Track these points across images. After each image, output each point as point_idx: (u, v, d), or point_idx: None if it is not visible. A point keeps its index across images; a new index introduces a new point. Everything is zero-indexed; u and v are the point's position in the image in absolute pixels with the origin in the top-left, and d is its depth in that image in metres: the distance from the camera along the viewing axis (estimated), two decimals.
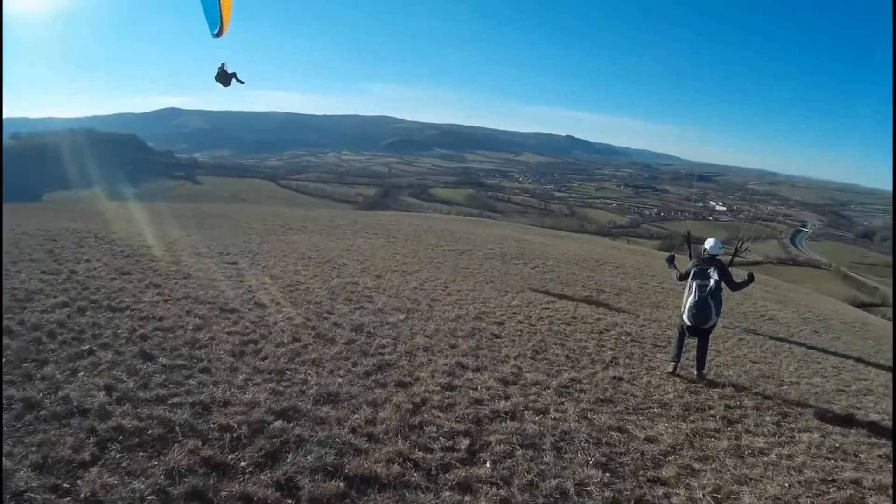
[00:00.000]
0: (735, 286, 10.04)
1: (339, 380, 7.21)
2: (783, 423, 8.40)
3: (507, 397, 7.52)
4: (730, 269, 10.29)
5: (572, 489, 5.40)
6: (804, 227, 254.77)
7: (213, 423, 5.56)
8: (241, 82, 19.32)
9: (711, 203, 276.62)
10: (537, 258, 24.01)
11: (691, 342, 10.32)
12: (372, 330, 9.73)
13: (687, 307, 9.56)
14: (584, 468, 5.84)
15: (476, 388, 7.66)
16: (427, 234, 27.75)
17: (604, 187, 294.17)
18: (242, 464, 5.00)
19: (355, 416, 6.18)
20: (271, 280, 12.63)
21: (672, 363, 10.10)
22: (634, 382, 9.25)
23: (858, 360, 15.50)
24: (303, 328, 9.17)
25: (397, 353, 8.64)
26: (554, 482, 5.44)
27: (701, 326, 9.62)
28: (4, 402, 5.46)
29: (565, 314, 13.72)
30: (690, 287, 9.62)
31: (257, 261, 14.84)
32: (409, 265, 17.82)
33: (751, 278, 10.41)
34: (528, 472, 5.57)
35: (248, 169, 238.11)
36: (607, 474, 5.80)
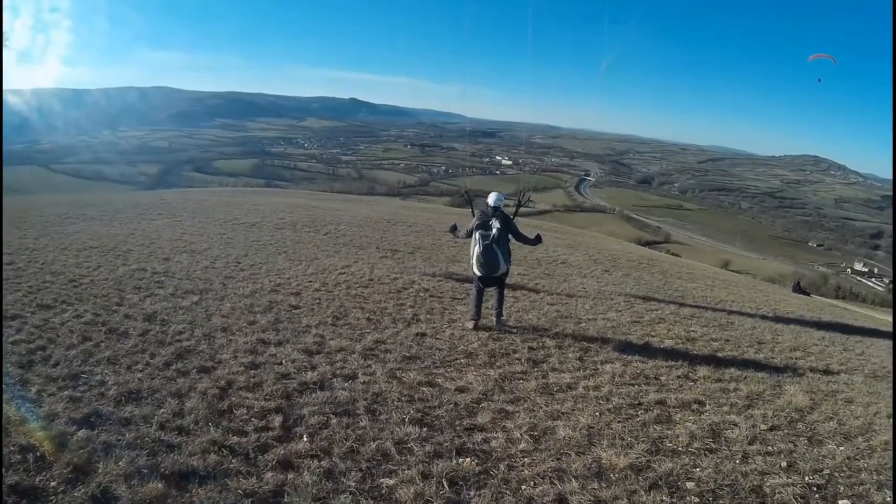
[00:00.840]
0: (521, 237, 10.50)
1: (139, 375, 7.08)
2: (586, 358, 9.27)
3: (313, 367, 7.72)
4: (515, 220, 10.98)
5: (393, 449, 5.66)
6: (587, 175, 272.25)
7: (13, 446, 5.20)
8: None
9: (497, 157, 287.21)
10: (329, 224, 24.23)
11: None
12: (166, 317, 9.58)
13: (475, 258, 10.12)
14: (401, 426, 6.14)
15: (281, 363, 7.81)
16: (214, 209, 27.04)
17: (391, 148, 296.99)
18: (52, 484, 4.77)
19: (161, 410, 6.11)
20: (52, 277, 11.85)
21: (472, 320, 10.53)
22: (438, 337, 9.76)
23: (648, 291, 17.27)
24: (93, 325, 8.86)
25: (195, 337, 8.61)
26: (374, 445, 5.68)
27: (492, 275, 10.20)
28: None
29: (362, 277, 14.14)
30: (475, 239, 10.13)
31: (35, 258, 13.77)
32: (198, 244, 17.42)
33: (538, 239, 10.87)
34: (346, 440, 5.75)
35: (14, 155, 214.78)
36: (424, 429, 6.14)
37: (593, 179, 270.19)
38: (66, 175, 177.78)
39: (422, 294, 12.94)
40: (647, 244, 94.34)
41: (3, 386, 6.42)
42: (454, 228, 11.56)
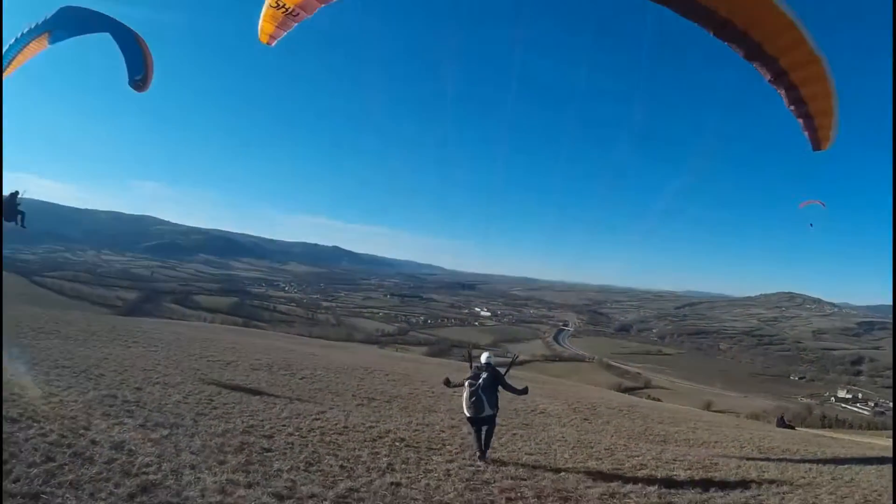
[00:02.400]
0: (508, 387, 12.21)
1: (101, 503, 6.77)
2: None
3: None
4: (508, 375, 12.51)
5: None
6: (566, 325, 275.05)
7: None
8: (24, 227, 18.38)
9: (476, 309, 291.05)
10: (305, 368, 24.01)
11: None
12: (133, 447, 9.18)
13: (464, 401, 11.75)
14: None
15: None
16: (190, 343, 26.88)
17: (370, 297, 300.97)
18: None
19: None
20: (21, 391, 11.54)
21: (477, 453, 11.83)
22: (413, 486, 9.47)
23: (629, 438, 17.07)
24: (57, 446, 8.48)
25: (162, 471, 8.22)
26: None
27: (478, 416, 11.59)
28: None
29: (336, 424, 13.81)
30: (465, 385, 11.86)
31: (7, 370, 13.53)
32: (172, 376, 17.08)
33: (525, 391, 12.80)
34: None
35: None
36: None
37: (571, 329, 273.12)
38: (46, 289, 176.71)
39: (398, 443, 12.64)
40: (628, 390, 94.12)
41: None
42: (448, 382, 13.70)
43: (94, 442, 9.14)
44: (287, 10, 11.56)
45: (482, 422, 11.80)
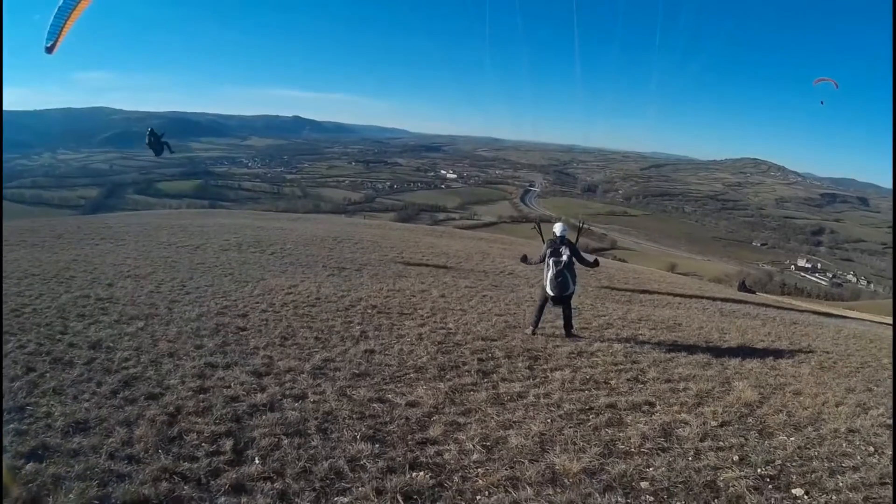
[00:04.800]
0: (584, 261, 12.01)
1: (86, 405, 6.84)
2: (535, 367, 9.41)
3: (262, 389, 7.59)
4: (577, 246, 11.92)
5: (346, 467, 5.59)
6: (532, 186, 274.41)
7: None
8: (172, 153, 18.41)
9: (442, 172, 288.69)
10: (275, 244, 24.12)
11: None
12: (111, 344, 9.31)
13: (548, 280, 11.17)
14: (354, 444, 6.07)
15: (230, 386, 7.64)
16: (157, 232, 26.76)
17: (335, 165, 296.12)
18: None
19: (110, 440, 5.90)
20: None
21: (531, 327, 11.84)
22: (387, 353, 9.73)
23: (595, 298, 17.52)
24: (36, 355, 8.54)
25: (142, 364, 8.37)
26: (326, 464, 5.60)
27: (563, 294, 11.25)
28: None
29: (309, 296, 14.08)
30: (548, 264, 11.23)
31: None
32: (142, 268, 17.16)
33: (597, 263, 13.24)
34: (298, 460, 5.66)
35: None
36: (377, 445, 6.08)
37: (538, 190, 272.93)
38: (6, 201, 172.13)
39: (369, 311, 12.93)
40: (594, 251, 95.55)
41: None
42: (525, 258, 12.77)
43: (71, 345, 9.21)
44: None
45: (565, 300, 11.51)
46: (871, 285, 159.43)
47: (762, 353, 11.91)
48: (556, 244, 11.37)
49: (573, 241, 11.91)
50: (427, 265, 22.37)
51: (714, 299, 23.38)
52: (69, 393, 7.23)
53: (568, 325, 11.80)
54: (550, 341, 11.26)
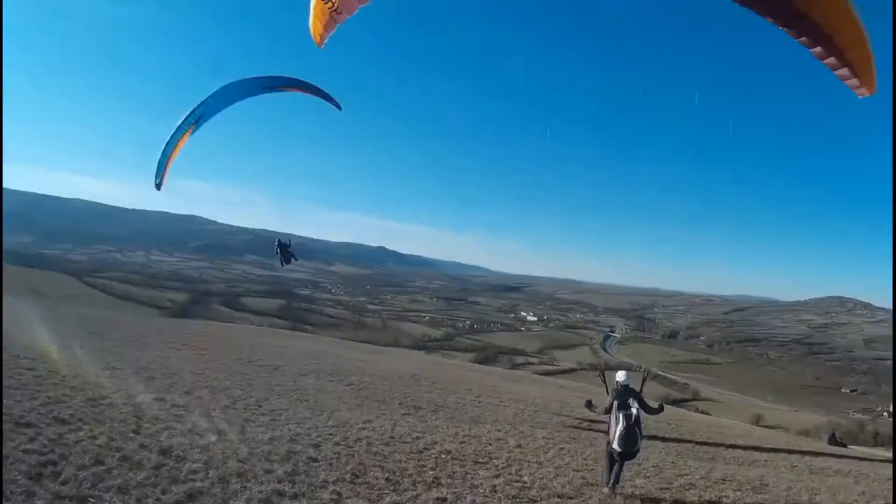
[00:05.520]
0: (650, 410, 11.46)
1: None
2: None
3: None
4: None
5: None
6: (612, 331, 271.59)
7: None
8: (296, 260, 22.61)
9: (522, 313, 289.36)
10: (352, 374, 23.93)
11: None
12: (181, 453, 9.19)
13: (617, 436, 10.57)
14: None
15: None
16: (239, 346, 27.03)
17: (416, 300, 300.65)
18: None
19: None
20: (72, 392, 11.66)
21: (607, 487, 11.16)
22: (459, 502, 9.38)
23: (677, 455, 16.73)
24: (106, 449, 8.50)
25: (209, 479, 8.20)
26: None
27: (630, 450, 10.68)
28: None
29: (383, 434, 13.67)
30: (617, 417, 10.69)
31: (57, 369, 13.60)
32: (220, 381, 17.15)
33: (661, 408, 12.00)
34: None
35: (48, 260, 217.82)
36: None
37: (618, 335, 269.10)
38: (96, 290, 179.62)
39: (444, 456, 12.46)
40: (676, 402, 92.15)
41: (9, 496, 6.08)
42: (590, 404, 12.34)
43: (142, 446, 9.15)
44: (333, 6, 11.38)
45: (630, 456, 11.00)
46: None
47: None
48: (622, 394, 11.02)
49: (637, 390, 11.48)
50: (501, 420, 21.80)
51: (803, 453, 22.06)
52: (133, 494, 7.16)
53: (617, 477, 11.18)
54: (629, 501, 10.82)
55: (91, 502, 6.58)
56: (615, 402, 10.88)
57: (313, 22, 10.95)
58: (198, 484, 7.92)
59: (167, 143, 14.26)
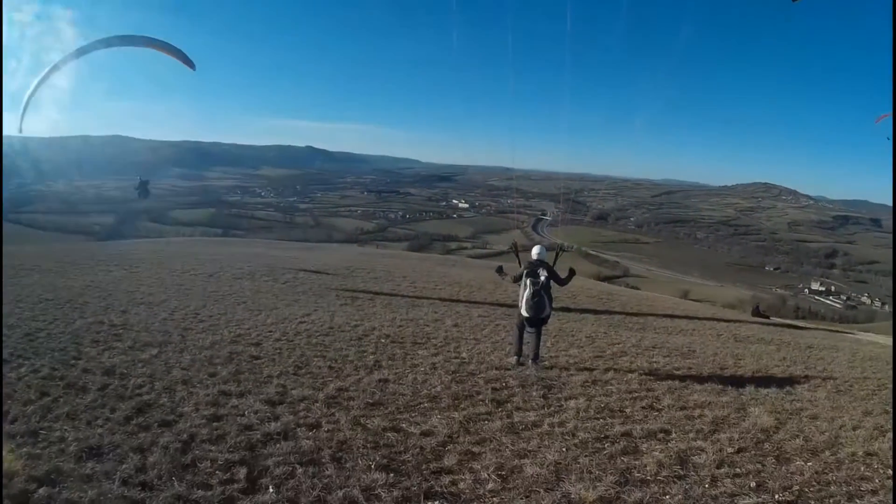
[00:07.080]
0: (562, 281, 11.54)
1: (99, 430, 6.83)
2: (549, 395, 9.36)
3: (276, 418, 7.55)
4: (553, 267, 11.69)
5: (360, 496, 5.54)
6: (544, 215, 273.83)
7: None
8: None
9: (454, 201, 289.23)
10: (288, 272, 24.10)
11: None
12: (125, 370, 9.31)
13: (524, 301, 10.87)
14: (368, 473, 6.03)
15: (243, 414, 7.62)
16: (171, 259, 26.78)
17: (347, 195, 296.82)
18: None
19: (123, 466, 5.88)
20: (8, 330, 11.45)
21: (514, 356, 11.55)
22: (401, 382, 9.69)
23: (609, 326, 17.52)
24: (50, 380, 8.56)
25: (155, 390, 8.37)
26: (341, 493, 5.55)
27: (538, 316, 10.93)
28: None
29: (322, 325, 14.07)
30: (525, 284, 10.97)
31: None
32: (156, 295, 17.15)
33: (572, 272, 11.91)
34: (312, 489, 5.62)
35: None
36: (391, 474, 6.04)
37: (550, 218, 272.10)
38: (21, 225, 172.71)
39: (383, 340, 12.91)
40: (607, 279, 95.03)
41: None
42: (501, 270, 12.80)
43: (85, 370, 9.22)
44: None
45: (540, 322, 11.17)
46: (886, 307, 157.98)
47: (778, 379, 11.91)
48: (534, 265, 11.29)
49: (551, 263, 11.80)
50: (437, 298, 22.34)
51: (728, 322, 23.33)
52: (83, 418, 7.23)
53: (537, 350, 11.50)
54: (564, 369, 11.24)
55: (42, 434, 6.66)
56: (526, 271, 11.18)
57: None
58: (144, 397, 8.07)
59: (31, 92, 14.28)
